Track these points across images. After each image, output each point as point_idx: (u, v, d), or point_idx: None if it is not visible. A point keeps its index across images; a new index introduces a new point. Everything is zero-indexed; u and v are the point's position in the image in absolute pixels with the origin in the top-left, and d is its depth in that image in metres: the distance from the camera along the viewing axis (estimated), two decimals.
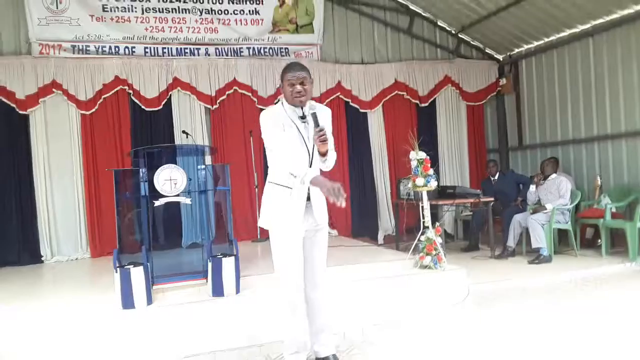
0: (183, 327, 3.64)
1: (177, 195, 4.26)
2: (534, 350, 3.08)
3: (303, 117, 2.84)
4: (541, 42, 7.55)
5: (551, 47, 7.38)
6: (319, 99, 7.68)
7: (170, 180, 4.21)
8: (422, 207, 5.00)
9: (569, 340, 3.22)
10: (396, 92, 8.00)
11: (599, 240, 5.99)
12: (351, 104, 7.87)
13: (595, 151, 6.77)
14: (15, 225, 6.28)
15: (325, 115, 2.92)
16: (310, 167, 2.85)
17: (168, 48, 7.12)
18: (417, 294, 4.29)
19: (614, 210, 5.91)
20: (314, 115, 2.76)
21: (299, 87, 2.80)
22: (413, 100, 8.09)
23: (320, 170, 2.90)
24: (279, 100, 3.01)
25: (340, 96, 7.83)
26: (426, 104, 8.10)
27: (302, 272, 2.91)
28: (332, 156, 2.88)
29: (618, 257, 5.68)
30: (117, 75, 6.77)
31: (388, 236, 7.69)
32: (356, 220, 7.88)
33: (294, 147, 2.83)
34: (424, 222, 4.94)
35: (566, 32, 7.05)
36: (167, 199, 4.17)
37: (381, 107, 8.00)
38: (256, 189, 7.25)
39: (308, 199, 2.85)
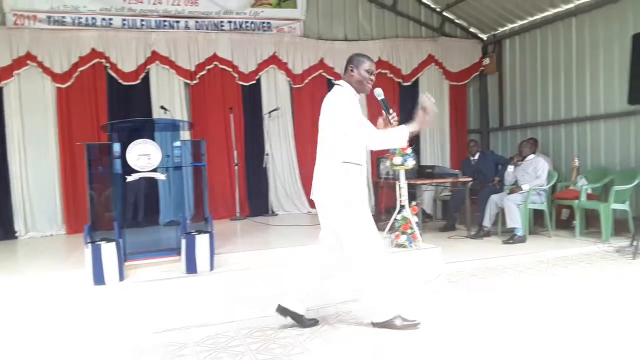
0: (155, 304, 3.64)
1: (152, 170, 4.22)
2: (498, 326, 3.12)
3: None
4: (525, 21, 7.52)
5: (534, 27, 7.35)
6: (301, 76, 7.62)
7: (144, 155, 4.16)
8: (399, 186, 5.01)
9: (534, 318, 3.28)
10: (379, 70, 7.84)
11: (574, 221, 6.06)
12: (334, 81, 7.77)
13: (573, 132, 6.81)
14: None
15: None
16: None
17: (146, 20, 6.97)
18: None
19: (589, 191, 5.97)
20: (384, 101, 3.13)
21: (373, 77, 3.13)
22: (396, 79, 8.03)
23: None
24: (336, 85, 3.19)
25: (323, 74, 7.75)
26: (409, 83, 8.06)
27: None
28: None
29: (591, 237, 5.76)
30: (93, 47, 6.62)
31: None
32: None
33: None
34: (400, 201, 4.97)
35: (550, 12, 7.02)
36: (140, 175, 4.12)
37: None
38: (236, 167, 7.19)
39: None
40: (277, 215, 7.46)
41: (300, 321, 3.22)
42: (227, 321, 3.23)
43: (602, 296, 3.77)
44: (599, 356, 2.64)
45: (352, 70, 3.10)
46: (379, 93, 3.15)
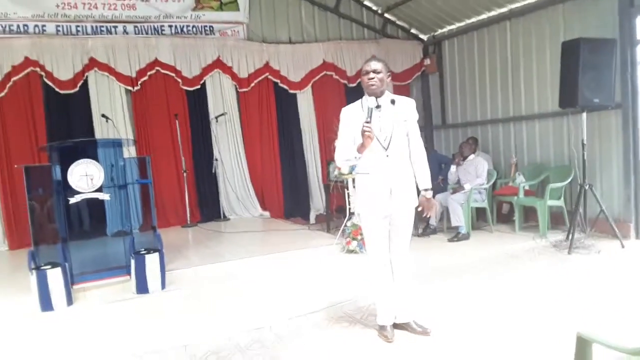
0: (106, 327, 3.57)
1: (95, 191, 4.12)
2: (444, 322, 3.29)
3: (378, 107, 3.10)
4: (462, 23, 7.76)
5: (472, 29, 7.60)
6: (247, 80, 7.58)
7: (86, 176, 4.06)
8: (348, 193, 5.11)
9: (481, 311, 3.47)
10: (325, 72, 8.00)
11: (514, 216, 6.37)
12: (280, 84, 7.80)
13: (511, 131, 7.12)
14: None
15: (406, 105, 3.20)
16: (387, 155, 3.09)
17: (82, 26, 6.74)
18: (343, 278, 4.44)
19: (527, 188, 6.30)
20: (370, 110, 3.01)
21: (372, 74, 3.08)
22: (342, 81, 8.13)
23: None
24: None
25: (269, 77, 7.74)
26: (354, 84, 8.15)
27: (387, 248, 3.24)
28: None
29: (530, 232, 6.05)
30: (27, 56, 6.34)
31: (320, 215, 7.78)
32: (288, 201, 7.94)
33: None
34: (349, 208, 5.07)
35: (485, 15, 7.29)
36: (83, 196, 4.02)
37: (310, 87, 8.00)
38: (184, 174, 7.10)
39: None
40: (229, 219, 7.43)
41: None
42: (182, 345, 3.22)
43: (542, 292, 4.01)
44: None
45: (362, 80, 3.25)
46: (370, 101, 3.08)
